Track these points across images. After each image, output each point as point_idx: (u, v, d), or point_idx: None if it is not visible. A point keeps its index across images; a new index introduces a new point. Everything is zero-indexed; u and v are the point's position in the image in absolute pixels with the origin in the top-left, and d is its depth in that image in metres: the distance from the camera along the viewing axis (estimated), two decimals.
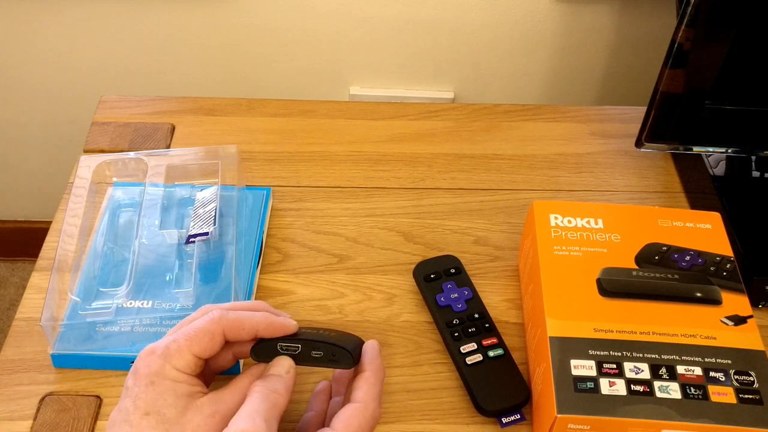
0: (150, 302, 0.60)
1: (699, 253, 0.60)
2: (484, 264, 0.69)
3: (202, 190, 0.68)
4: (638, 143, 0.71)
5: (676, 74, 0.65)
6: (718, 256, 0.60)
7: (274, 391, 0.45)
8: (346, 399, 0.48)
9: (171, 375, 0.44)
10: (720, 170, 0.74)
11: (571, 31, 1.05)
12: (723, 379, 0.52)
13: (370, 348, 0.49)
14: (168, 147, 0.78)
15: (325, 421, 0.50)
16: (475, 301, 0.63)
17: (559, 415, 0.50)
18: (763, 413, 0.50)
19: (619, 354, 0.53)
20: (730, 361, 0.53)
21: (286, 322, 0.48)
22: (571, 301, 0.57)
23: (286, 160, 0.78)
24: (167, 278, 0.62)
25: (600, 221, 0.62)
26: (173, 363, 0.44)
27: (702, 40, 0.63)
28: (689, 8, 0.61)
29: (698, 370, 0.52)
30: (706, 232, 0.62)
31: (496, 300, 0.66)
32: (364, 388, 0.47)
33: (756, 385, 0.52)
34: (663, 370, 0.52)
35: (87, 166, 0.68)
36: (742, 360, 0.53)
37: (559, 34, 1.06)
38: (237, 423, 0.43)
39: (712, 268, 0.59)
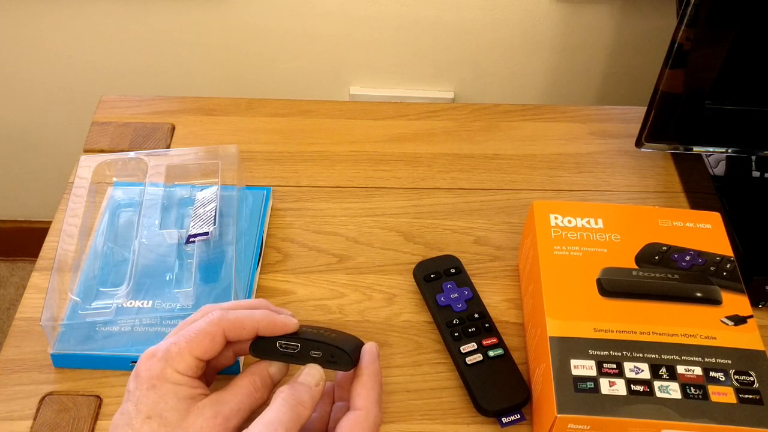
0: (150, 302, 0.60)
1: (699, 253, 0.60)
2: (484, 264, 0.69)
3: (202, 190, 0.68)
4: (638, 143, 0.71)
5: (676, 74, 0.65)
6: (718, 256, 0.60)
7: (301, 402, 0.45)
8: (347, 405, 0.48)
9: (172, 378, 0.44)
10: (720, 170, 0.74)
11: (571, 31, 1.05)
12: (723, 379, 0.52)
13: (368, 351, 0.49)
14: (168, 147, 0.78)
15: (329, 427, 0.49)
16: (475, 301, 0.63)
17: (559, 415, 0.50)
18: (763, 413, 0.50)
19: (619, 354, 0.53)
20: (730, 361, 0.53)
21: (286, 321, 0.48)
22: (571, 301, 0.57)
23: (286, 160, 0.78)
24: (167, 278, 0.62)
25: (600, 221, 0.62)
26: (174, 366, 0.44)
27: (702, 40, 0.63)
28: (689, 8, 0.61)
29: (698, 370, 0.52)
30: (706, 232, 0.62)
31: (496, 300, 0.66)
32: (363, 393, 0.47)
33: (756, 385, 0.52)
34: (663, 370, 0.52)
35: (87, 166, 0.68)
36: (742, 360, 0.53)
37: (559, 34, 1.06)
38: (257, 428, 0.42)
39: (712, 268, 0.59)
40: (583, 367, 0.52)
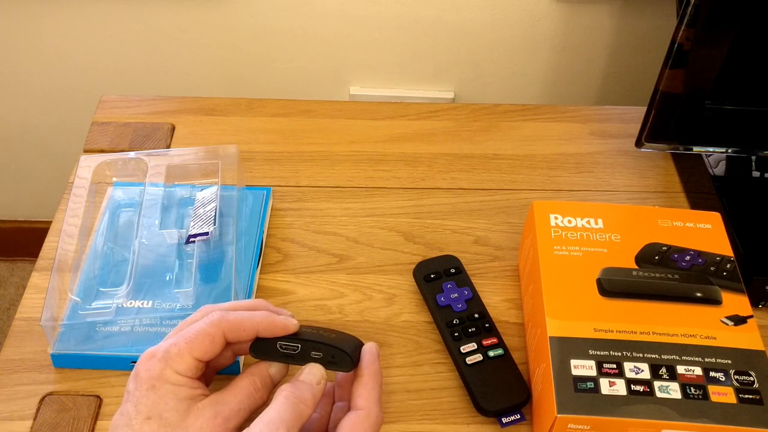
0: (150, 302, 0.60)
1: (699, 253, 0.60)
2: (484, 264, 0.69)
3: (202, 190, 0.68)
4: (638, 143, 0.71)
5: (676, 74, 0.65)
6: (718, 256, 0.60)
7: (302, 400, 0.45)
8: (348, 405, 0.48)
9: (172, 379, 0.44)
10: (720, 170, 0.74)
11: (571, 31, 1.05)
12: (723, 379, 0.52)
13: (368, 351, 0.49)
14: (168, 147, 0.78)
15: (329, 427, 0.49)
16: (475, 301, 0.63)
17: (559, 415, 0.50)
18: (763, 413, 0.50)
19: (619, 354, 0.53)
20: (730, 361, 0.53)
21: (286, 322, 0.48)
22: (571, 301, 0.57)
23: (286, 160, 0.78)
24: (167, 278, 0.62)
25: (600, 221, 0.62)
26: (174, 367, 0.44)
27: (702, 40, 0.63)
28: (689, 8, 0.61)
29: (698, 370, 0.52)
30: (706, 232, 0.62)
31: (496, 300, 0.66)
32: (364, 394, 0.47)
33: (756, 385, 0.52)
34: (663, 370, 0.52)
35: (87, 166, 0.68)
36: (742, 360, 0.53)
37: (559, 34, 1.06)
38: (258, 426, 0.42)
39: (712, 268, 0.59)
40: (583, 367, 0.52)
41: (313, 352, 0.47)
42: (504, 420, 0.57)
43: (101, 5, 1.06)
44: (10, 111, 1.22)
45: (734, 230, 0.66)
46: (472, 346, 0.60)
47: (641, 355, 0.53)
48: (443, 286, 0.64)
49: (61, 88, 1.18)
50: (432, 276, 0.65)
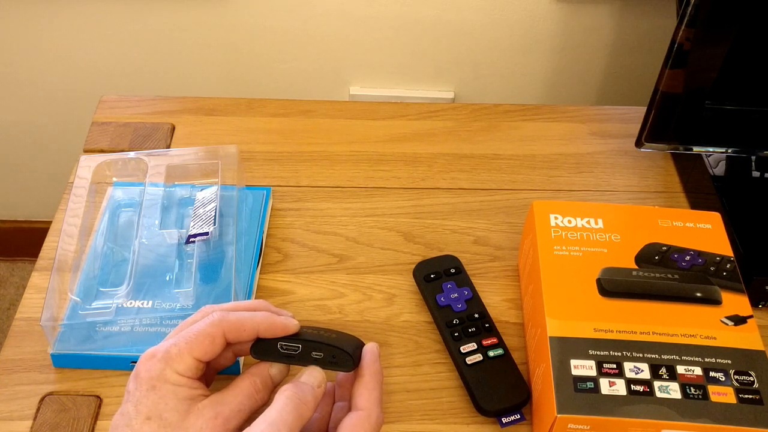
0: (150, 302, 0.60)
1: (699, 253, 0.60)
2: (484, 264, 0.69)
3: (202, 190, 0.68)
4: (638, 143, 0.71)
5: (676, 74, 0.65)
6: (718, 256, 0.60)
7: (304, 402, 0.45)
8: (348, 405, 0.48)
9: (172, 379, 0.44)
10: (720, 170, 0.74)
11: (571, 31, 1.05)
12: (723, 379, 0.52)
13: (369, 351, 0.49)
14: (168, 147, 0.78)
15: (329, 427, 0.49)
16: (475, 301, 0.63)
17: (559, 415, 0.50)
18: (763, 413, 0.50)
19: (619, 354, 0.53)
20: (730, 361, 0.53)
21: (287, 322, 0.48)
22: (571, 301, 0.57)
23: (286, 160, 0.78)
24: (167, 278, 0.62)
25: (600, 221, 0.62)
26: (174, 367, 0.44)
27: (702, 40, 0.63)
28: (689, 8, 0.61)
29: (698, 370, 0.52)
30: (706, 232, 0.62)
31: (496, 300, 0.66)
32: (365, 394, 0.47)
33: (756, 385, 0.52)
34: (663, 370, 0.52)
35: (87, 166, 0.68)
36: (742, 360, 0.53)
37: (559, 34, 1.06)
38: (261, 426, 0.42)
39: (712, 268, 0.59)
40: (583, 367, 0.52)
41: (313, 353, 0.47)
42: (504, 420, 0.57)
43: (101, 5, 1.06)
44: (10, 111, 1.22)
45: (734, 230, 0.66)
46: (472, 346, 0.60)
47: (641, 355, 0.53)
48: (443, 286, 0.64)
49: (61, 88, 1.18)
50: (432, 276, 0.65)
